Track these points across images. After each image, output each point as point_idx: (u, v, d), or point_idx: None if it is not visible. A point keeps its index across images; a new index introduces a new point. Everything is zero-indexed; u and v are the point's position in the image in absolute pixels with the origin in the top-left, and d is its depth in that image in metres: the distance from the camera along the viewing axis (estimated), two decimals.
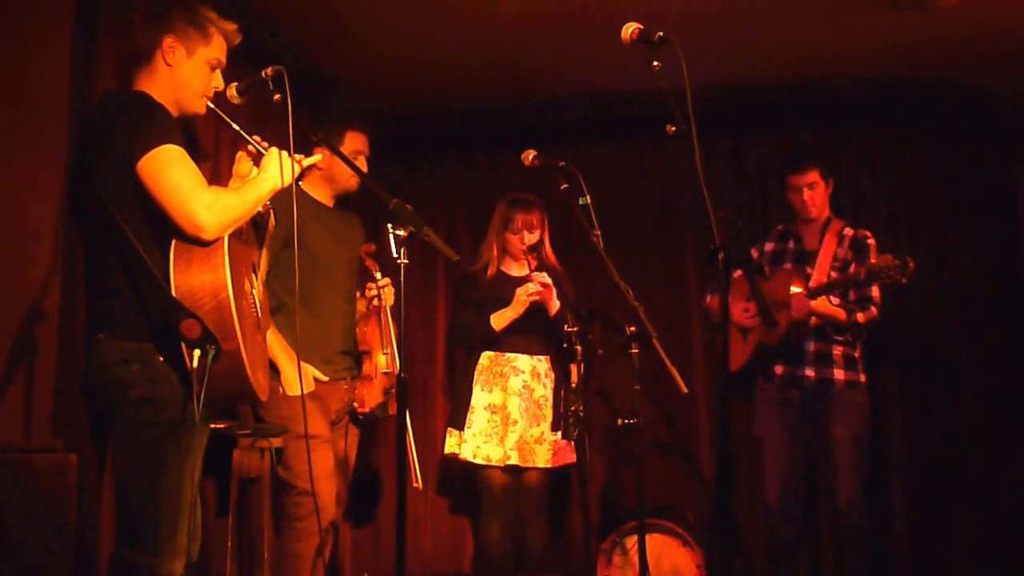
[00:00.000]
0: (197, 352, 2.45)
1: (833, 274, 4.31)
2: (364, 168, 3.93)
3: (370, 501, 5.27)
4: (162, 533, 2.52)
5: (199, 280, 2.54)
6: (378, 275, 4.07)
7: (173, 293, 2.51)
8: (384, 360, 4.05)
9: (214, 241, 2.57)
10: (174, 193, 2.54)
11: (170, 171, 2.55)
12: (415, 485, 4.07)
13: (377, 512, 5.28)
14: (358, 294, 4.11)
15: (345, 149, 3.88)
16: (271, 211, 2.94)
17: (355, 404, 4.00)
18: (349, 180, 3.95)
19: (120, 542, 2.60)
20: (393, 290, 4.02)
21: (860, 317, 4.29)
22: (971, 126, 5.31)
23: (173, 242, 2.56)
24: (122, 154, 2.55)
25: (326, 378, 3.82)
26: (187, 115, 2.78)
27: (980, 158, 5.32)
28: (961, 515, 4.98)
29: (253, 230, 2.91)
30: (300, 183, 3.84)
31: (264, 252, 3.03)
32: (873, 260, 4.09)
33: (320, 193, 3.99)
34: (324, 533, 3.74)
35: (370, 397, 4.04)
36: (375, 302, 4.02)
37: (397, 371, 3.99)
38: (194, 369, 2.45)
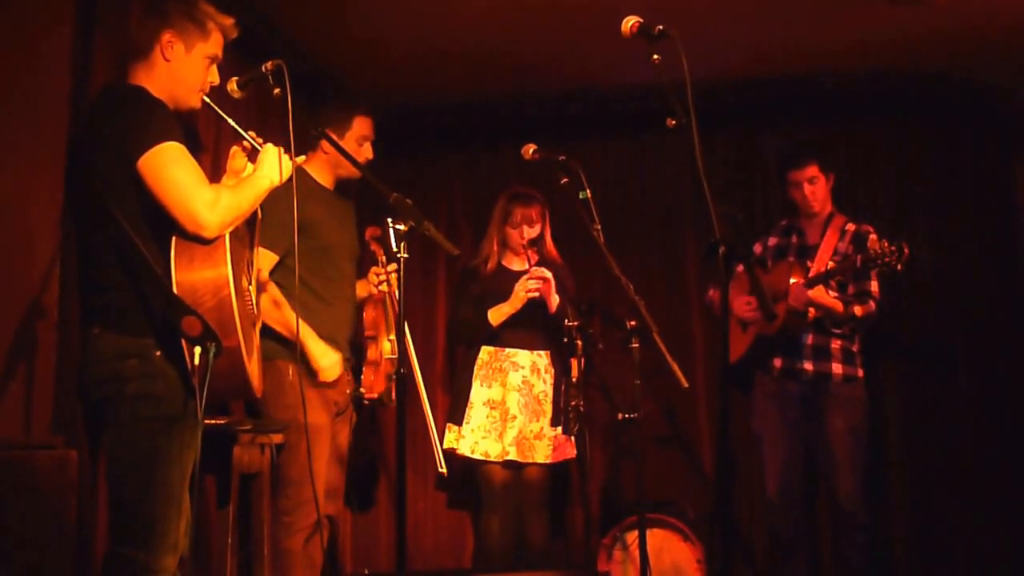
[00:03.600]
0: (198, 349, 2.44)
1: (831, 264, 4.31)
2: (371, 154, 3.91)
3: (371, 496, 5.27)
4: (157, 529, 2.52)
5: (201, 277, 2.54)
6: (383, 260, 4.05)
7: (174, 290, 2.51)
8: (389, 346, 4.04)
9: (215, 239, 2.57)
10: (176, 191, 2.53)
11: (171, 169, 2.54)
12: (440, 470, 4.10)
13: (378, 507, 5.28)
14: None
15: (352, 135, 3.86)
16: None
17: (362, 390, 3.98)
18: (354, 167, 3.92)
19: (114, 537, 2.60)
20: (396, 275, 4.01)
21: (857, 310, 4.27)
22: (968, 120, 5.31)
23: (174, 239, 2.56)
24: (122, 151, 2.54)
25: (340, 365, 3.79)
26: (183, 110, 2.78)
27: (977, 151, 5.31)
28: (960, 510, 4.97)
29: (246, 228, 2.91)
30: (304, 164, 3.82)
31: (256, 249, 3.02)
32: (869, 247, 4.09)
33: (323, 176, 3.90)
34: (314, 527, 3.73)
35: (377, 383, 4.02)
36: (383, 287, 4.00)
37: (398, 360, 4.02)
38: (195, 366, 2.45)
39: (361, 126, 3.92)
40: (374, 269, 4.02)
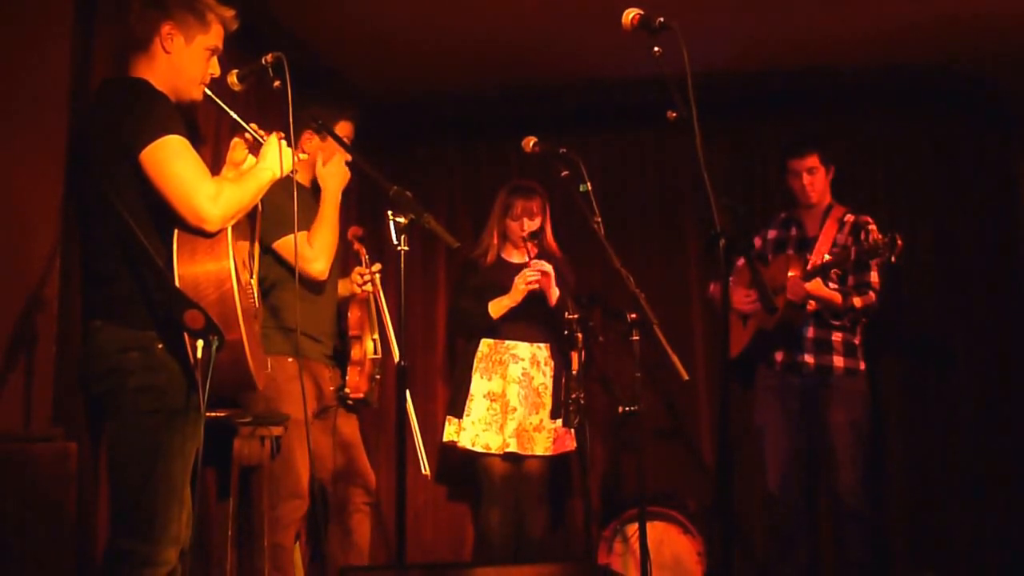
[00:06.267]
0: (200, 343, 2.44)
1: (828, 256, 4.30)
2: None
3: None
4: (158, 521, 2.53)
5: (203, 270, 2.55)
6: (366, 259, 4.04)
7: (176, 283, 2.51)
8: (372, 346, 4.03)
9: (217, 233, 2.57)
10: (178, 185, 2.54)
11: (173, 163, 2.55)
12: (424, 473, 4.08)
13: (378, 500, 5.27)
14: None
15: None
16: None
17: (347, 390, 3.97)
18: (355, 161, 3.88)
19: (115, 529, 2.60)
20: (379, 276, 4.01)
21: (857, 301, 4.27)
22: (971, 114, 5.29)
23: (176, 232, 2.56)
24: (124, 143, 2.54)
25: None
26: (184, 102, 2.77)
27: (980, 145, 5.30)
28: (959, 503, 4.97)
29: (248, 221, 2.91)
30: None
31: (257, 243, 3.02)
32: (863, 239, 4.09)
33: (302, 175, 3.80)
34: (302, 520, 3.71)
35: (362, 384, 4.01)
36: (368, 287, 3.99)
37: (381, 357, 4.01)
38: (197, 360, 2.45)
39: (343, 130, 3.85)
40: (358, 269, 4.00)
